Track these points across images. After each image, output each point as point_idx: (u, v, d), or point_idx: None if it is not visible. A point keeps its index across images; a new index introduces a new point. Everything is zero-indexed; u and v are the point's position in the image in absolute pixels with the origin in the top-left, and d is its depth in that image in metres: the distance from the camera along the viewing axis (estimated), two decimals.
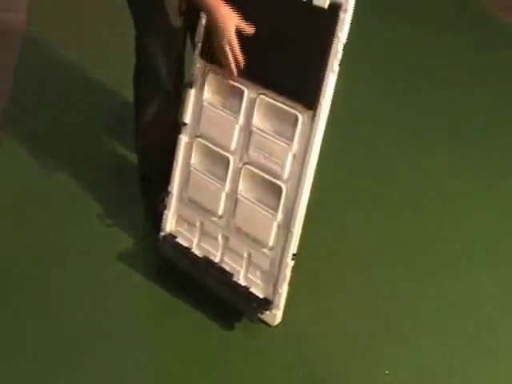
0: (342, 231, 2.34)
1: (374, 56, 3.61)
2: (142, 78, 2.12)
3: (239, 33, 1.77)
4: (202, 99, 1.96)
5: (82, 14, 3.85)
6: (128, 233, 2.26)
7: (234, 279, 1.95)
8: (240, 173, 1.92)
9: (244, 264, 1.95)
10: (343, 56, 1.67)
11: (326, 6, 1.66)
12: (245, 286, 1.94)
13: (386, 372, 1.83)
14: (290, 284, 1.93)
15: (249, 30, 1.77)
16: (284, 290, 1.87)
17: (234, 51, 1.78)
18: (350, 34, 1.66)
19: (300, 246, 1.90)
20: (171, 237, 2.10)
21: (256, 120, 1.86)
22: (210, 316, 1.96)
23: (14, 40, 3.49)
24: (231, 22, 1.75)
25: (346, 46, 1.66)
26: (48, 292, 2.04)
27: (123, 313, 1.99)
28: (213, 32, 1.80)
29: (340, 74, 1.71)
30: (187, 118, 2.01)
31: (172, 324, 1.97)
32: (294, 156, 1.79)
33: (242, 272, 1.95)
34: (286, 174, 1.82)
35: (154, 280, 2.09)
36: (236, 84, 1.88)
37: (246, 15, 1.78)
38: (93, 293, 2.05)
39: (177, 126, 2.17)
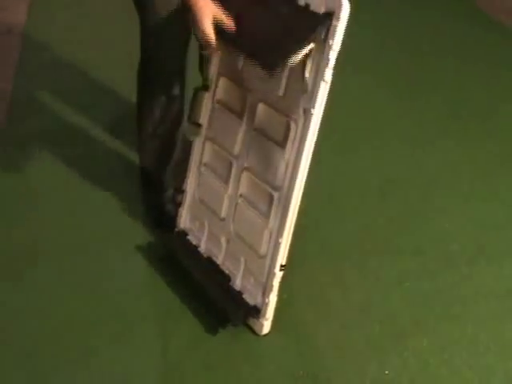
0: (342, 232, 2.34)
1: (374, 65, 3.62)
2: (146, 75, 2.12)
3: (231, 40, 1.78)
4: (214, 102, 1.99)
5: (82, 14, 3.86)
6: (128, 231, 2.27)
7: (231, 283, 1.96)
8: (240, 177, 1.93)
9: (241, 269, 1.95)
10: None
11: (321, 12, 1.62)
12: (239, 291, 1.94)
13: (386, 372, 1.83)
14: (290, 284, 1.93)
15: (228, 22, 1.74)
16: (272, 300, 1.86)
17: (208, 40, 1.75)
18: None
19: (300, 246, 1.90)
20: (183, 233, 2.13)
21: (256, 126, 1.87)
22: (211, 316, 1.96)
23: (14, 40, 3.50)
24: (207, 14, 1.72)
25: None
26: (41, 292, 2.05)
27: (120, 310, 1.99)
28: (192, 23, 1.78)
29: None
30: (201, 119, 2.02)
31: (174, 324, 1.97)
32: (287, 164, 1.78)
33: (239, 277, 1.95)
34: (277, 182, 1.81)
35: (154, 278, 2.09)
36: (240, 89, 1.90)
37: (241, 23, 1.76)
38: (90, 289, 2.05)
39: (179, 125, 2.18)
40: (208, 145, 2.05)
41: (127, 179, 2.47)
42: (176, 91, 2.12)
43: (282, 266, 1.83)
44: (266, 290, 1.86)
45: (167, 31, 1.98)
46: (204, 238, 2.08)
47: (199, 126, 2.03)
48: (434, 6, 4.32)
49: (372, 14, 4.11)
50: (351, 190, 2.56)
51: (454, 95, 3.28)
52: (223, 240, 2.01)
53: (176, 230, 2.16)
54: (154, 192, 2.31)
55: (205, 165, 2.07)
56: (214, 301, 1.94)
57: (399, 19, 4.14)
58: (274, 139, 1.82)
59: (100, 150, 2.69)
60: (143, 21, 2.02)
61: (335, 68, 1.66)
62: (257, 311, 1.88)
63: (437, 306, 2.06)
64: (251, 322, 1.91)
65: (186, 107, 2.15)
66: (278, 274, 1.84)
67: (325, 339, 1.93)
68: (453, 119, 3.08)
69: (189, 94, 2.10)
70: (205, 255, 2.06)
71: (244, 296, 1.92)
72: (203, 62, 1.98)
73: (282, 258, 1.83)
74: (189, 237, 2.13)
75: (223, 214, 2.00)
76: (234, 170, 1.96)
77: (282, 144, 1.78)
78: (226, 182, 1.98)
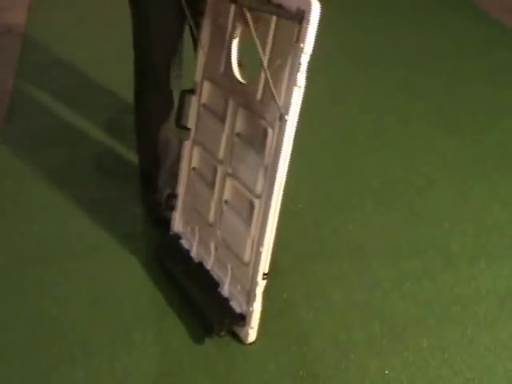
0: (342, 232, 2.34)
1: (373, 66, 3.61)
2: (141, 74, 2.12)
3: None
4: (200, 106, 1.98)
5: (81, 14, 3.86)
6: (127, 231, 2.27)
7: (219, 289, 1.94)
8: (224, 183, 1.92)
9: (228, 276, 1.93)
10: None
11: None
12: (226, 298, 1.92)
13: (386, 372, 1.83)
14: (290, 284, 1.93)
15: None
16: (256, 309, 1.83)
17: None
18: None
19: (300, 246, 1.89)
20: (176, 237, 2.13)
21: (237, 131, 1.86)
22: (198, 324, 1.95)
23: (14, 40, 3.50)
24: None
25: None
26: (41, 292, 2.05)
27: (119, 310, 1.99)
28: None
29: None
30: (189, 123, 2.02)
31: (173, 325, 1.97)
32: (266, 171, 1.74)
33: (227, 284, 1.94)
34: (258, 189, 1.78)
35: (153, 278, 2.09)
36: (222, 92, 1.89)
37: None
38: (89, 290, 2.06)
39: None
40: (195, 149, 2.04)
41: (127, 179, 2.46)
42: (172, 91, 2.11)
43: (264, 274, 1.81)
44: (249, 299, 1.84)
45: (160, 33, 1.98)
46: (195, 243, 2.07)
47: (187, 129, 2.03)
48: (431, 3, 4.32)
49: (369, 17, 4.11)
50: (351, 189, 2.56)
51: (453, 95, 3.28)
52: (212, 246, 1.99)
53: (170, 233, 2.16)
54: (154, 192, 2.31)
55: (193, 169, 2.06)
56: (201, 308, 1.92)
57: (396, 18, 4.14)
58: (253, 145, 1.79)
59: (100, 150, 2.69)
60: (135, 21, 2.01)
61: (337, 68, 1.65)
62: (242, 319, 1.85)
63: (437, 306, 2.06)
64: (237, 329, 1.89)
65: None
66: (261, 283, 1.81)
67: (325, 339, 1.93)
68: (452, 119, 3.08)
69: None
70: (196, 260, 2.05)
71: (231, 303, 1.90)
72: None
73: (263, 266, 1.80)
74: (182, 240, 2.12)
75: (211, 219, 1.98)
76: (218, 176, 1.94)
77: (261, 150, 1.74)
78: (212, 187, 1.96)
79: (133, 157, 2.43)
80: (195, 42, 2.17)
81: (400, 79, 3.40)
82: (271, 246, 1.79)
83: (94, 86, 3.09)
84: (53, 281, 2.08)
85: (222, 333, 1.87)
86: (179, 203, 2.12)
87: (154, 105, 2.14)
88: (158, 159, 2.26)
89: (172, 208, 2.15)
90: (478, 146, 2.88)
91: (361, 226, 2.37)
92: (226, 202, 1.93)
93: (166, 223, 2.19)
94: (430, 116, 3.09)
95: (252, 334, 1.87)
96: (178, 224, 2.15)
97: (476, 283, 2.15)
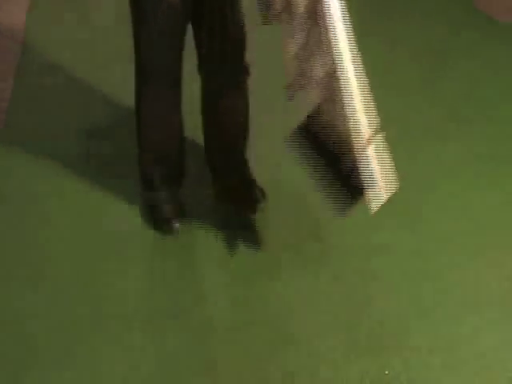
0: (342, 232, 2.34)
1: (371, 66, 3.61)
2: (141, 74, 2.12)
3: None
4: None
5: (82, 14, 3.86)
6: (127, 231, 2.27)
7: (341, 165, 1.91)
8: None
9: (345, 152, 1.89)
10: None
11: None
12: (347, 174, 1.88)
13: (386, 372, 1.83)
14: (289, 285, 1.93)
15: None
16: (369, 178, 1.83)
17: None
18: None
19: (300, 247, 1.89)
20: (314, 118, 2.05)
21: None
22: (212, 314, 1.96)
23: (14, 41, 3.50)
24: None
25: None
26: (47, 292, 2.05)
27: (120, 310, 1.99)
28: None
29: None
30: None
31: (173, 324, 1.97)
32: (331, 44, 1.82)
33: (346, 160, 1.88)
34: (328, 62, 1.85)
35: (153, 278, 2.10)
36: None
37: None
38: (89, 289, 2.06)
39: (176, 125, 2.18)
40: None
41: (127, 179, 2.46)
42: (173, 91, 2.11)
43: (367, 141, 1.82)
44: (361, 170, 1.83)
45: (160, 29, 1.98)
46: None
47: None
48: (431, 4, 4.32)
49: (367, 17, 4.11)
50: None
51: (453, 94, 3.28)
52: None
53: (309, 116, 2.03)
54: (154, 192, 2.32)
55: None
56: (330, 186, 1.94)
57: (396, 20, 4.14)
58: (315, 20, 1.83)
59: (100, 150, 2.69)
60: (135, 20, 2.01)
61: None
62: (362, 192, 1.86)
63: (437, 305, 2.06)
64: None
65: (184, 108, 2.16)
66: (370, 146, 1.82)
67: (325, 339, 1.93)
68: (453, 119, 3.07)
69: (187, 92, 2.10)
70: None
71: (352, 178, 1.87)
72: None
73: (363, 132, 1.84)
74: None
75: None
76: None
77: (320, 23, 1.82)
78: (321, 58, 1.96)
79: (134, 156, 2.43)
80: (197, 42, 2.18)
81: (398, 79, 3.39)
82: (363, 112, 1.90)
83: (95, 86, 3.09)
84: (53, 280, 2.08)
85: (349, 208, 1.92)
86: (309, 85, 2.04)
87: (155, 105, 2.14)
88: (158, 160, 2.26)
89: (179, 205, 2.15)
90: (478, 146, 2.88)
91: (361, 226, 2.37)
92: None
93: (167, 222, 2.20)
94: (430, 116, 3.08)
95: (374, 202, 1.88)
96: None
97: (476, 283, 2.15)
